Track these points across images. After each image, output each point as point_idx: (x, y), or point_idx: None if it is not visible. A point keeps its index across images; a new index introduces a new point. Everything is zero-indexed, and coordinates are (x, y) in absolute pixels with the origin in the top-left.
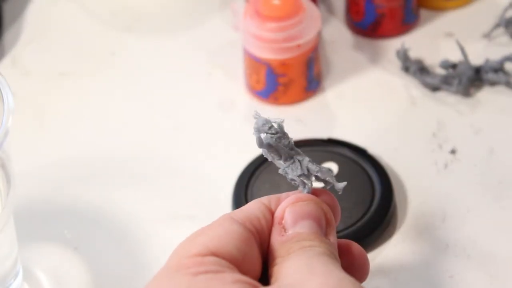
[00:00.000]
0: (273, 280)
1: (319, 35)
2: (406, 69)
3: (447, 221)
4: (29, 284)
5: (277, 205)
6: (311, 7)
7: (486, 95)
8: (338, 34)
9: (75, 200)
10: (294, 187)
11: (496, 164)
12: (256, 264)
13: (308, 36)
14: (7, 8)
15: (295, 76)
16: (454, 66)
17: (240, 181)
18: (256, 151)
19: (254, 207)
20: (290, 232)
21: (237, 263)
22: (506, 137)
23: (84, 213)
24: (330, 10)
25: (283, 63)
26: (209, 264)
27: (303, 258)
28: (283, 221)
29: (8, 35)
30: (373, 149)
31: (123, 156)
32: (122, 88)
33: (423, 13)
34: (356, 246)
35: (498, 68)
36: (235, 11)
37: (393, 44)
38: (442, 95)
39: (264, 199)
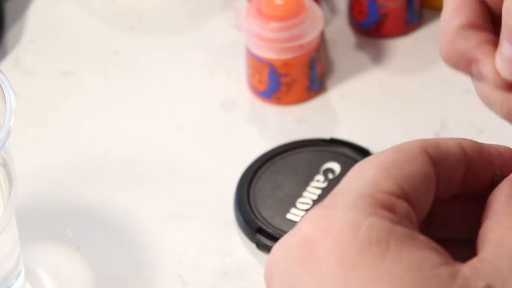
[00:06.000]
0: (480, 237)
1: (321, 35)
2: None
3: None
4: (31, 283)
5: (478, 154)
6: (314, 6)
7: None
8: (340, 34)
9: (78, 199)
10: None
11: None
12: (425, 213)
13: (310, 36)
14: (9, 8)
15: (298, 76)
16: None
17: (242, 181)
18: (258, 151)
19: (452, 146)
20: None
21: (419, 213)
22: (510, 137)
23: (86, 213)
24: (332, 9)
25: (286, 63)
26: (403, 216)
27: None
28: None
29: (10, 34)
30: (375, 150)
31: (126, 156)
32: (124, 88)
33: (426, 13)
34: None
35: None
36: (237, 11)
37: (396, 44)
38: (444, 94)
39: (464, 142)
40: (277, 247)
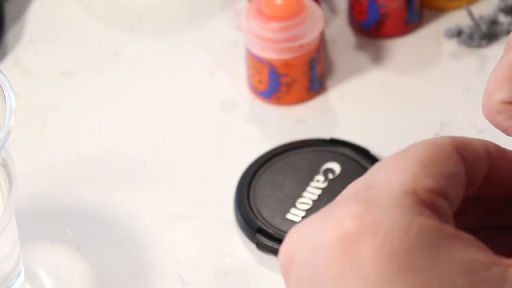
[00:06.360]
0: None
1: (321, 35)
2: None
3: None
4: (31, 284)
5: (501, 159)
6: (314, 7)
7: None
8: (340, 34)
9: (78, 200)
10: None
11: None
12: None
13: (310, 36)
14: (9, 8)
15: (298, 76)
16: (459, 32)
17: (242, 181)
18: (258, 151)
19: (479, 148)
20: None
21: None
22: (509, 138)
23: (86, 213)
24: (332, 10)
25: (286, 63)
26: (442, 214)
27: None
28: None
29: (10, 34)
30: (375, 150)
31: (126, 156)
32: (124, 88)
33: (426, 13)
34: None
35: (494, 21)
36: (237, 11)
37: (396, 44)
38: (444, 94)
39: (489, 145)
40: (303, 233)
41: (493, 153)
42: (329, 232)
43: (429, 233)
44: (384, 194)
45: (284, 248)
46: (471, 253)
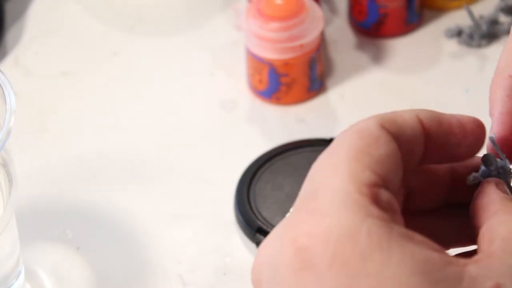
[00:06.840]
0: (485, 236)
1: (321, 35)
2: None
3: None
4: (31, 284)
5: (437, 124)
6: (314, 6)
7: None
8: (340, 34)
9: (77, 200)
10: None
11: None
12: (398, 192)
13: (310, 36)
14: (9, 8)
15: (298, 76)
16: (459, 32)
17: (242, 181)
18: (258, 151)
19: (409, 119)
20: None
21: (396, 196)
22: None
23: (86, 213)
24: (332, 9)
25: (286, 63)
26: (386, 207)
27: None
28: None
29: (10, 34)
30: None
31: (126, 156)
32: (124, 88)
33: (426, 13)
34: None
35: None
36: (237, 11)
37: (396, 44)
38: (444, 94)
39: (421, 113)
40: (265, 253)
41: (427, 120)
42: (285, 249)
43: (379, 236)
44: (328, 200)
45: (253, 269)
46: (425, 253)
